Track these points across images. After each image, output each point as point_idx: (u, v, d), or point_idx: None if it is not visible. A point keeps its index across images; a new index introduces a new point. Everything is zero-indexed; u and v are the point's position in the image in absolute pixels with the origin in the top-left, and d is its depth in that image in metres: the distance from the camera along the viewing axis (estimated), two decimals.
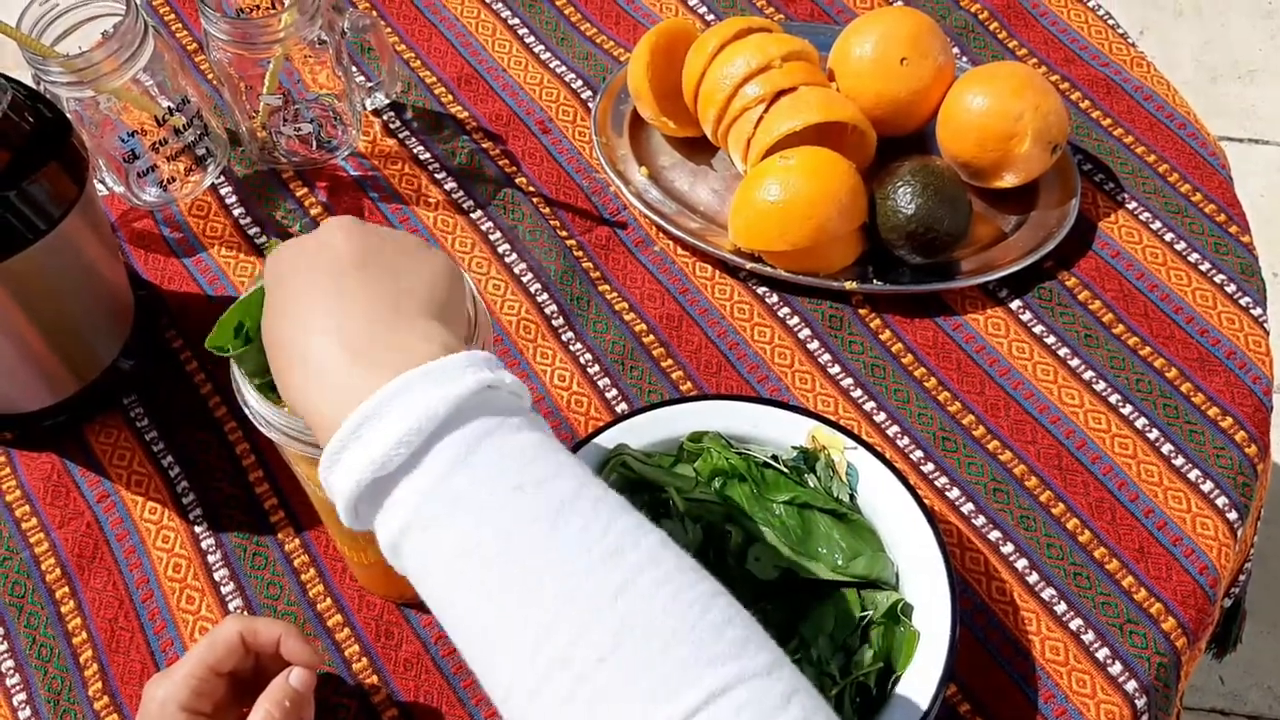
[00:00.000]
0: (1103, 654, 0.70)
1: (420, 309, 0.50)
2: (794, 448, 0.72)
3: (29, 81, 0.73)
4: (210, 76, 0.95)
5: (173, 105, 0.81)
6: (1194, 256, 0.86)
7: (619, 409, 0.79)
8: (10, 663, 0.71)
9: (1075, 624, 0.71)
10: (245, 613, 0.72)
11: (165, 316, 0.84)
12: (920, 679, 0.64)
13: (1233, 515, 0.75)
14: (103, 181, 0.86)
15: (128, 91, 0.78)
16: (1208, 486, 0.76)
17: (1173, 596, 0.72)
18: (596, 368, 0.81)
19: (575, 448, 0.71)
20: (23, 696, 0.70)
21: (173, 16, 1.00)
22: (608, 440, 0.72)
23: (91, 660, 0.71)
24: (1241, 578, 0.83)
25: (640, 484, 0.71)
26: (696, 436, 0.72)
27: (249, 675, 0.64)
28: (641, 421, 0.73)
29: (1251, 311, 0.83)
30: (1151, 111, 0.93)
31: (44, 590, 0.73)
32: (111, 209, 0.88)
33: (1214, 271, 0.85)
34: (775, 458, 0.72)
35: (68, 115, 0.70)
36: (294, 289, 0.51)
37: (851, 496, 0.70)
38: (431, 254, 0.53)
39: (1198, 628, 0.72)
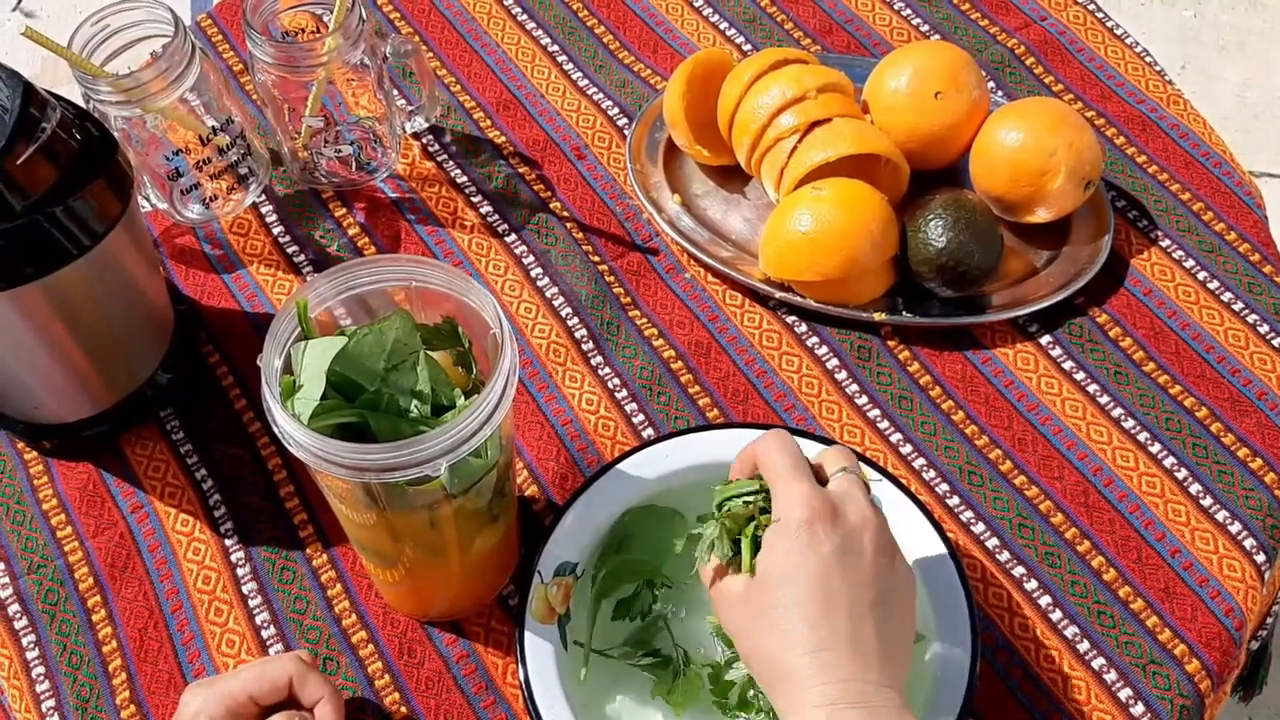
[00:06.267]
0: (1125, 694, 0.70)
1: None
2: None
3: (78, 100, 0.75)
4: (254, 97, 0.97)
5: (217, 125, 0.83)
6: (1227, 296, 0.85)
7: (645, 434, 0.80)
8: (41, 669, 0.72)
9: (1098, 663, 0.71)
10: (275, 626, 0.73)
11: (204, 331, 0.85)
12: (939, 715, 0.64)
13: (1260, 558, 0.75)
14: (147, 198, 0.88)
15: (174, 111, 0.80)
16: (1236, 528, 0.75)
17: (1198, 638, 0.72)
18: (624, 392, 0.82)
19: (600, 472, 0.72)
20: (52, 703, 0.71)
21: (220, 38, 1.03)
22: (633, 465, 0.72)
23: (120, 669, 0.72)
24: (1269, 620, 0.82)
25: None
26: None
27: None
28: (667, 448, 0.73)
29: None
30: (1187, 149, 0.93)
31: (76, 598, 0.75)
32: (154, 225, 0.90)
33: (1247, 311, 0.84)
34: None
35: (114, 133, 0.72)
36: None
37: None
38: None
39: (1222, 671, 0.72)
